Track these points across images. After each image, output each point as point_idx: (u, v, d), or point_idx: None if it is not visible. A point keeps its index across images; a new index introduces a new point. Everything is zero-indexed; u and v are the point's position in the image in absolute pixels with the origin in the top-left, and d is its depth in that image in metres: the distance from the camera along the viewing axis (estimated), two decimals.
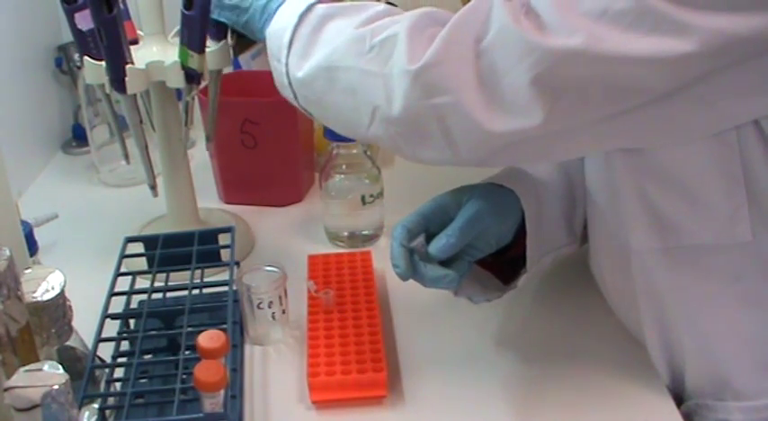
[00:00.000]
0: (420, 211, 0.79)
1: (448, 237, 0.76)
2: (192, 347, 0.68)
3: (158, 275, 0.84)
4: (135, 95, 0.88)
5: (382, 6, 0.74)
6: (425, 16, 0.70)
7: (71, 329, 0.66)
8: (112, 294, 0.79)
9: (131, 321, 0.82)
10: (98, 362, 0.71)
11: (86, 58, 0.86)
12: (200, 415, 0.64)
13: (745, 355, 0.73)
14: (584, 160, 0.80)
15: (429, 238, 0.77)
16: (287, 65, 0.76)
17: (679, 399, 0.77)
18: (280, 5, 0.79)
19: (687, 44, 0.58)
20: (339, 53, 0.72)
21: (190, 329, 0.74)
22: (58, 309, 0.64)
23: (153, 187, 0.93)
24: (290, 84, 0.76)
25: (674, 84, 0.62)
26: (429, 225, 0.78)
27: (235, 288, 0.82)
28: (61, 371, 0.53)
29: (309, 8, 0.75)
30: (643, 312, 0.75)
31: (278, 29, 0.77)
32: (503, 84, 0.64)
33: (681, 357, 0.75)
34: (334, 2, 0.77)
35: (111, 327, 0.77)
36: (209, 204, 1.10)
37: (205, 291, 0.81)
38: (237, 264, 0.87)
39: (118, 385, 0.72)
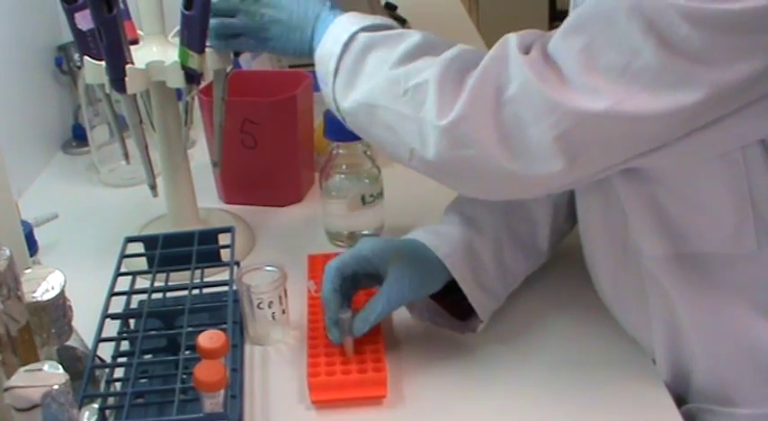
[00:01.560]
0: (354, 254, 0.82)
1: (370, 321, 0.78)
2: (192, 347, 0.68)
3: (158, 275, 0.84)
4: (135, 95, 0.88)
5: (419, 37, 0.76)
6: (456, 61, 0.71)
7: (71, 329, 0.66)
8: (112, 294, 0.79)
9: (131, 321, 0.82)
10: (98, 362, 0.71)
11: (86, 58, 0.86)
12: (201, 415, 0.64)
13: (753, 363, 0.73)
14: None
15: (362, 278, 0.81)
16: (333, 91, 0.79)
17: (679, 400, 0.77)
18: (326, 24, 0.81)
19: (700, 95, 0.61)
20: (377, 92, 0.75)
21: (190, 329, 0.74)
22: (58, 309, 0.64)
23: (153, 187, 0.93)
24: (337, 109, 0.79)
25: (687, 131, 0.65)
26: (359, 269, 0.81)
27: (235, 288, 0.82)
28: (61, 371, 0.53)
29: (352, 37, 0.78)
30: (652, 318, 0.75)
31: (324, 54, 0.80)
32: (526, 136, 0.66)
33: (688, 362, 0.75)
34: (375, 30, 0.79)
35: (112, 327, 0.77)
36: (209, 204, 1.10)
37: (205, 291, 0.81)
38: (237, 264, 0.87)
39: (118, 385, 0.72)
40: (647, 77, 0.61)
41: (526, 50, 0.68)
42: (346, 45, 0.78)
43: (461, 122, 0.68)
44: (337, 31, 0.80)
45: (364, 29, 0.78)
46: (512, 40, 0.69)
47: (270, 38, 0.85)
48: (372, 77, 0.76)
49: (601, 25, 0.63)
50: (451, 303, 0.83)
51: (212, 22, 0.86)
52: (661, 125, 0.63)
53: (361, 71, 0.77)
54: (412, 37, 0.76)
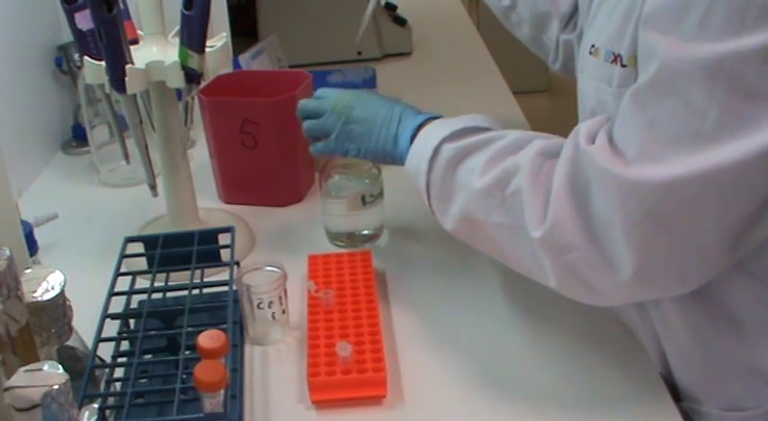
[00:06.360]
0: None
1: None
2: (192, 347, 0.68)
3: (158, 275, 0.84)
4: (135, 95, 0.88)
5: (504, 140, 0.74)
6: (540, 156, 0.70)
7: (71, 329, 0.66)
8: (112, 294, 0.79)
9: (131, 321, 0.82)
10: (98, 362, 0.71)
11: (86, 58, 0.86)
12: (200, 415, 0.64)
13: (744, 367, 0.73)
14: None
15: None
16: (431, 207, 0.79)
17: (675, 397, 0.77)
18: (407, 128, 0.82)
19: None
20: (474, 205, 0.73)
21: (190, 329, 0.74)
22: (57, 309, 0.64)
23: (153, 187, 0.93)
24: (443, 223, 0.79)
25: None
26: None
27: (235, 288, 0.82)
28: (61, 371, 0.53)
29: (436, 151, 0.76)
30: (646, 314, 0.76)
31: (413, 169, 0.80)
32: (614, 227, 0.63)
33: (676, 363, 0.76)
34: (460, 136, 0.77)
35: (112, 327, 0.77)
36: (210, 204, 1.10)
37: (205, 290, 0.81)
38: (237, 263, 0.87)
39: (118, 385, 0.72)
40: (720, 131, 0.59)
41: (592, 140, 0.66)
42: (432, 161, 0.76)
43: (554, 229, 0.66)
44: (421, 146, 0.79)
45: (447, 138, 0.76)
46: (581, 133, 0.67)
47: (354, 138, 0.86)
48: (465, 189, 0.74)
49: (661, 99, 0.61)
50: None
51: (305, 124, 0.89)
52: (751, 172, 0.60)
53: (454, 185, 0.75)
54: (499, 141, 0.74)
